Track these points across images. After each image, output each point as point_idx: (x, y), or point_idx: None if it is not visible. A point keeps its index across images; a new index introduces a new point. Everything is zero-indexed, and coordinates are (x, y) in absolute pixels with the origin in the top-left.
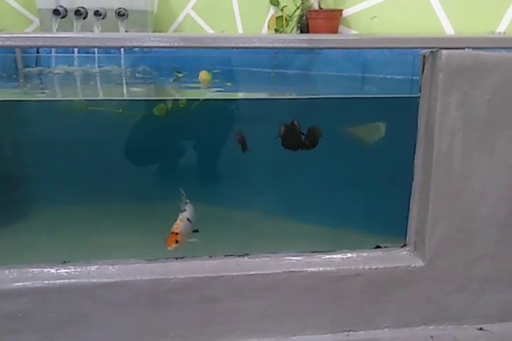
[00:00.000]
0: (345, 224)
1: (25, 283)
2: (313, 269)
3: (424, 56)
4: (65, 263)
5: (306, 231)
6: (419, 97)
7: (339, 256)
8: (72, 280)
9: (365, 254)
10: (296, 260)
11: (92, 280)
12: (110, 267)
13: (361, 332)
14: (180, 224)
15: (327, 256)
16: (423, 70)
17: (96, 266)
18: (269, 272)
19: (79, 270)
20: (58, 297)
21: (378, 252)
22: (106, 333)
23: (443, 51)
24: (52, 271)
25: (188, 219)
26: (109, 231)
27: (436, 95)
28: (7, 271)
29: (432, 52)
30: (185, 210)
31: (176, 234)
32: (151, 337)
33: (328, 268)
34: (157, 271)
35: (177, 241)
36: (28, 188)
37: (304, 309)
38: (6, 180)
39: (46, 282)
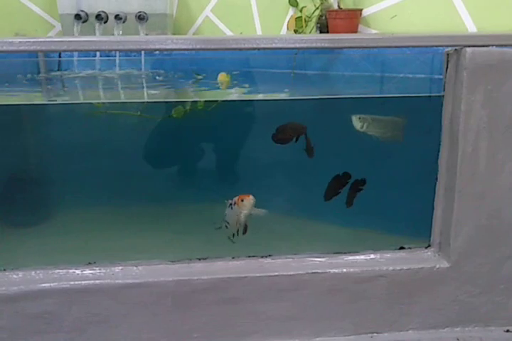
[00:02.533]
0: (367, 225)
1: (51, 284)
2: (336, 270)
3: (447, 54)
4: (89, 264)
5: (328, 232)
6: (442, 96)
7: (362, 257)
8: (97, 281)
9: (388, 255)
10: (319, 261)
11: (117, 281)
12: (134, 268)
13: (385, 334)
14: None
15: (350, 257)
16: (447, 69)
17: (120, 267)
18: (291, 273)
19: (103, 271)
20: (83, 298)
21: (402, 253)
22: (130, 334)
23: (467, 49)
24: (78, 272)
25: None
26: (131, 232)
27: (461, 94)
28: (33, 272)
29: (456, 50)
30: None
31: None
32: (175, 338)
33: (352, 270)
34: (181, 272)
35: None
36: (51, 190)
37: (327, 310)
38: (30, 182)
39: (72, 283)
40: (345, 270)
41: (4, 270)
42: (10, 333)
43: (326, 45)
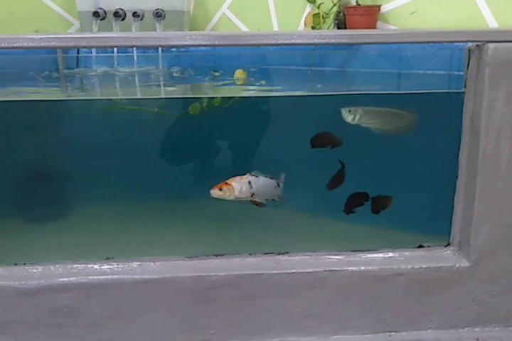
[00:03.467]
0: (384, 223)
1: (70, 279)
2: (354, 268)
3: (469, 50)
4: (108, 259)
5: (345, 230)
6: (463, 92)
7: (380, 255)
8: (115, 277)
9: (407, 253)
10: (337, 259)
11: (135, 276)
12: (152, 264)
13: (403, 333)
14: (235, 179)
15: (368, 255)
16: (468, 65)
17: (138, 263)
18: (309, 270)
19: (121, 266)
20: (101, 292)
21: (421, 251)
22: (148, 329)
23: (489, 44)
24: (96, 267)
25: (249, 182)
26: (147, 228)
27: (483, 90)
28: (52, 267)
29: (478, 46)
30: (254, 175)
31: (226, 183)
32: (192, 334)
33: (370, 268)
34: (198, 268)
35: (220, 189)
36: (70, 186)
37: (344, 308)
38: (48, 178)
39: (90, 278)
40: (363, 268)
41: (24, 264)
42: (29, 326)
43: (346, 41)
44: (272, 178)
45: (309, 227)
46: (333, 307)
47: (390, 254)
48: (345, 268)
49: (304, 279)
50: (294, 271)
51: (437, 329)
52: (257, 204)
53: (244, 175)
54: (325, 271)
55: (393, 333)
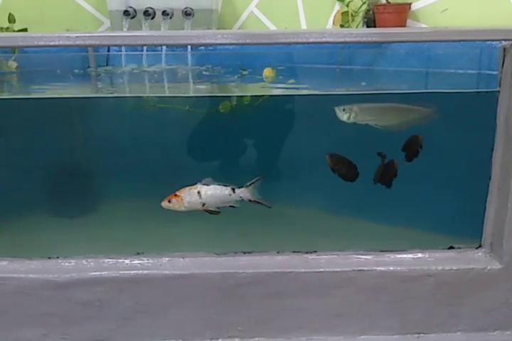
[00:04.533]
0: (414, 224)
1: (102, 273)
2: (382, 268)
3: (504, 49)
4: (138, 254)
5: (373, 230)
6: (498, 92)
7: (410, 255)
8: (145, 271)
9: (437, 255)
10: (365, 259)
11: (164, 271)
12: (181, 259)
13: (432, 335)
14: (184, 190)
15: (397, 256)
16: (503, 64)
17: (167, 258)
18: (337, 270)
19: (151, 261)
20: (132, 287)
21: (451, 253)
22: (176, 324)
23: None
24: (127, 261)
25: (198, 192)
26: (175, 225)
27: None
28: (84, 261)
29: None
30: (206, 184)
31: (176, 195)
32: (220, 330)
33: (399, 268)
34: (226, 265)
35: (169, 201)
36: (100, 182)
37: (372, 308)
38: (81, 174)
39: (121, 272)
40: (392, 268)
41: (57, 258)
42: (61, 319)
43: (378, 39)
44: (226, 185)
45: (336, 227)
46: (361, 307)
47: (419, 255)
48: (374, 268)
49: (332, 278)
50: (322, 270)
51: (467, 332)
52: (210, 212)
53: (195, 184)
54: (353, 270)
55: (422, 335)
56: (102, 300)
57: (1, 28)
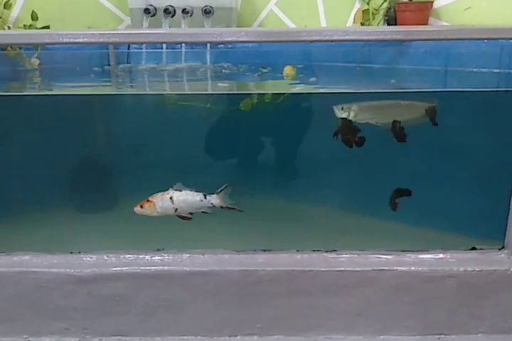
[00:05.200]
0: (435, 224)
1: (123, 268)
2: (403, 268)
3: None
4: (158, 250)
5: (394, 230)
6: None
7: (431, 256)
8: (166, 268)
9: (459, 255)
10: (386, 258)
11: (185, 268)
12: (201, 256)
13: (453, 337)
14: (157, 196)
15: (418, 256)
16: None
17: (188, 255)
18: (357, 269)
19: (171, 258)
20: (152, 283)
21: (474, 254)
22: (195, 320)
23: None
24: (147, 257)
25: (171, 198)
26: (193, 221)
27: None
28: (105, 256)
29: None
30: (178, 190)
31: (148, 200)
32: (239, 327)
33: (420, 268)
34: (246, 262)
35: (142, 206)
36: (121, 178)
37: (392, 308)
38: (100, 169)
39: (142, 268)
40: (413, 268)
41: (79, 253)
42: (83, 312)
43: (401, 37)
44: (198, 191)
45: (356, 226)
46: (381, 307)
47: (441, 255)
48: (395, 267)
49: (352, 277)
50: (342, 268)
51: (488, 334)
52: (182, 218)
53: (166, 190)
54: (373, 270)
55: (442, 336)
56: (122, 295)
57: (24, 26)
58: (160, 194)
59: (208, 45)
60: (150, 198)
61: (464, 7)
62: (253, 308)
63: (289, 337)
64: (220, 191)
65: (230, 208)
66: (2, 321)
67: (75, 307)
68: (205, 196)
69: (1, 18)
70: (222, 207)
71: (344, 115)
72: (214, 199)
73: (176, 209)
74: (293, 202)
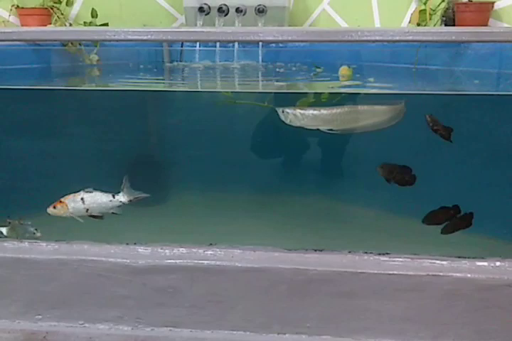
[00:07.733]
0: (491, 233)
1: (176, 261)
2: (459, 275)
3: None
4: (211, 245)
5: (449, 237)
6: None
7: (487, 263)
8: (218, 262)
9: None
10: (441, 264)
11: (236, 264)
12: (252, 252)
13: None
14: (69, 197)
15: (475, 263)
16: None
17: (239, 251)
18: (411, 273)
19: (223, 253)
20: (204, 276)
21: None
22: (245, 316)
23: None
24: (200, 251)
25: (82, 199)
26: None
27: None
28: (160, 248)
29: None
30: (88, 191)
31: (61, 202)
32: (287, 325)
33: (477, 276)
34: (297, 261)
35: (54, 207)
36: (177, 174)
37: (445, 315)
38: (156, 165)
39: (195, 261)
40: (469, 275)
41: (135, 244)
42: (137, 302)
43: (467, 38)
44: (107, 192)
45: (409, 232)
46: (433, 313)
47: (498, 264)
48: (450, 274)
49: (405, 282)
50: (394, 272)
51: None
52: (94, 217)
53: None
54: (428, 275)
55: None
56: (174, 287)
57: (85, 23)
58: (72, 195)
59: (260, 44)
60: (62, 199)
61: None
62: (303, 307)
63: (338, 338)
64: (123, 187)
65: (137, 199)
66: (60, 306)
67: (129, 296)
68: (113, 196)
69: (63, 15)
70: (130, 201)
71: (284, 118)
72: (121, 197)
73: (87, 210)
74: (343, 202)
